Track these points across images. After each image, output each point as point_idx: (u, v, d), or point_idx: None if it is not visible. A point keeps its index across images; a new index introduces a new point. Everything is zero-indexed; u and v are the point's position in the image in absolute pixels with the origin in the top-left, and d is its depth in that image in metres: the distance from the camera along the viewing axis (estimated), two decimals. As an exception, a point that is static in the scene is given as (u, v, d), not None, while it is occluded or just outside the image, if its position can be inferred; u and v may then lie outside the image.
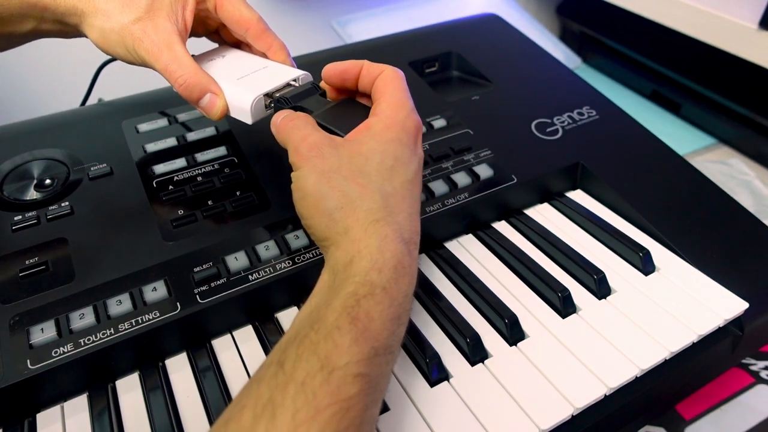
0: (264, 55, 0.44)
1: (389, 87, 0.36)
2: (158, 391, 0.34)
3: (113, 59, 0.56)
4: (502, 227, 0.47)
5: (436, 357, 0.35)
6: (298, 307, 0.40)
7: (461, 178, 0.46)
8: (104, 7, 0.38)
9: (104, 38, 0.39)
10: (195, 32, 0.44)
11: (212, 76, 0.41)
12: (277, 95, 0.40)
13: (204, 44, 0.47)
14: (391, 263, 0.30)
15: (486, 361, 0.36)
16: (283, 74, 0.42)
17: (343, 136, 0.36)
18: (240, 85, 0.41)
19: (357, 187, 0.32)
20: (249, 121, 0.40)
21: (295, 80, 0.42)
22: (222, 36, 0.46)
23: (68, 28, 0.41)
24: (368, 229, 0.30)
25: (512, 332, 0.37)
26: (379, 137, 0.34)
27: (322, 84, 0.40)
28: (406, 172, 0.34)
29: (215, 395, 0.34)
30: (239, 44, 0.45)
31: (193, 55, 0.44)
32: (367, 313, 0.28)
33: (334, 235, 0.31)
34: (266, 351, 0.37)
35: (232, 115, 0.41)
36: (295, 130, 0.35)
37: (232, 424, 0.25)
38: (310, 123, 0.35)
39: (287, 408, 0.25)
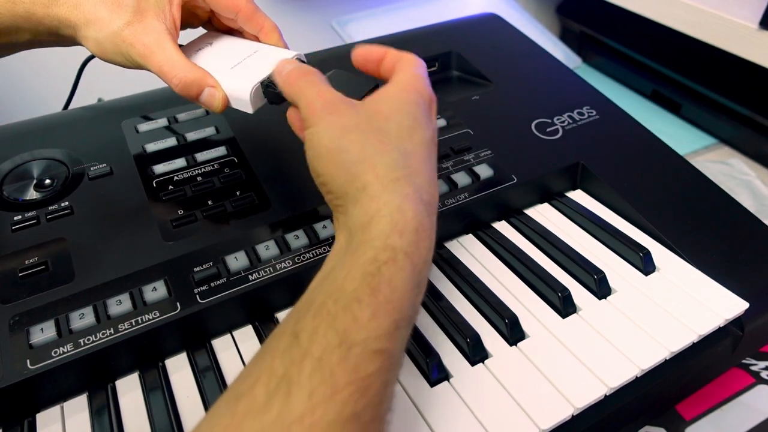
0: (256, 38, 0.43)
1: (408, 65, 0.36)
2: (158, 391, 0.34)
3: (93, 57, 0.55)
4: (502, 227, 0.47)
5: (436, 357, 0.35)
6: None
7: (461, 178, 0.46)
8: (94, 17, 0.38)
9: (101, 48, 0.39)
10: (188, 24, 0.44)
11: (204, 67, 0.40)
12: (268, 80, 0.39)
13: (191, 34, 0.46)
14: (412, 225, 0.28)
15: (486, 361, 0.36)
16: (276, 57, 0.41)
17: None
18: (235, 74, 0.40)
19: (377, 143, 0.30)
20: (250, 110, 0.40)
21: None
22: (214, 24, 0.45)
23: (65, 39, 0.41)
24: (388, 186, 0.29)
25: (512, 332, 0.37)
26: (397, 99, 0.33)
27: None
28: (424, 134, 0.33)
29: (215, 395, 0.34)
30: (232, 31, 0.44)
31: (180, 46, 0.43)
32: (390, 281, 0.27)
33: (352, 191, 0.30)
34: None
35: (233, 106, 0.40)
36: (309, 86, 0.33)
37: (244, 400, 0.24)
38: (324, 79, 0.34)
39: (303, 386, 0.23)
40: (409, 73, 0.35)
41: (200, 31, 0.46)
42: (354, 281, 0.26)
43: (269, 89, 0.39)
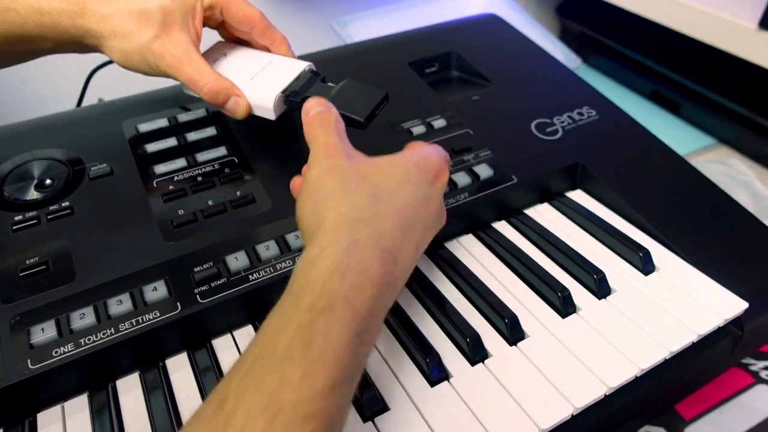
0: (266, 49, 0.46)
1: (426, 145, 0.37)
2: (158, 390, 0.34)
3: (105, 64, 0.56)
4: (502, 227, 0.47)
5: (436, 357, 0.35)
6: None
7: (461, 178, 0.46)
8: (122, 30, 0.40)
9: (126, 58, 0.41)
10: None
11: (225, 76, 0.43)
12: (288, 90, 0.43)
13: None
14: (356, 268, 0.26)
15: (486, 361, 0.36)
16: (291, 68, 0.44)
17: (361, 120, 0.38)
18: (256, 84, 0.43)
19: (353, 186, 0.31)
20: (272, 117, 0.43)
21: (302, 71, 0.44)
22: (223, 34, 0.47)
23: (87, 49, 0.42)
24: (342, 226, 0.28)
25: (512, 332, 0.37)
26: (399, 157, 0.34)
27: None
28: (413, 192, 0.32)
29: (215, 395, 0.34)
30: (240, 41, 0.47)
31: None
32: (326, 334, 0.24)
33: (314, 227, 0.29)
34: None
35: (256, 113, 0.43)
36: (322, 134, 0.34)
37: None
38: (339, 129, 0.35)
39: None
40: (424, 147, 0.37)
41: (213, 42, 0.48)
42: (287, 335, 0.24)
43: (290, 98, 0.42)
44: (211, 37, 0.47)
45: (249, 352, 0.25)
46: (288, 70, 0.45)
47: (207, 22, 0.44)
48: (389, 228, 0.30)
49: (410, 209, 0.32)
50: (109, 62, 0.56)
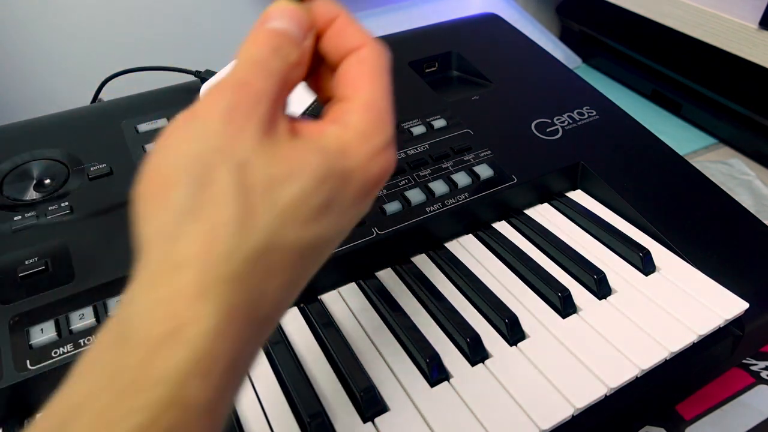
0: None
1: (366, 85, 0.22)
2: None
3: (118, 74, 0.56)
4: (502, 227, 0.47)
5: (436, 357, 0.35)
6: (299, 307, 0.40)
7: (461, 178, 0.45)
8: None
9: None
10: None
11: None
12: (307, 112, 0.42)
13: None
14: (227, 364, 0.17)
15: (486, 361, 0.36)
16: (309, 90, 0.44)
17: None
18: None
19: (250, 200, 0.18)
20: None
21: None
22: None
23: None
24: (212, 285, 0.17)
25: (512, 332, 0.37)
26: (323, 162, 0.20)
27: None
28: (326, 229, 0.20)
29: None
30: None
31: (213, 73, 0.47)
32: None
33: (160, 248, 0.19)
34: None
35: None
36: (254, 70, 0.21)
37: None
38: (291, 77, 0.22)
39: None
40: (368, 117, 0.22)
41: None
42: None
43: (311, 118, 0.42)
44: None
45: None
46: (307, 92, 0.44)
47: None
48: (273, 289, 0.19)
49: (311, 251, 0.20)
50: (122, 73, 0.57)
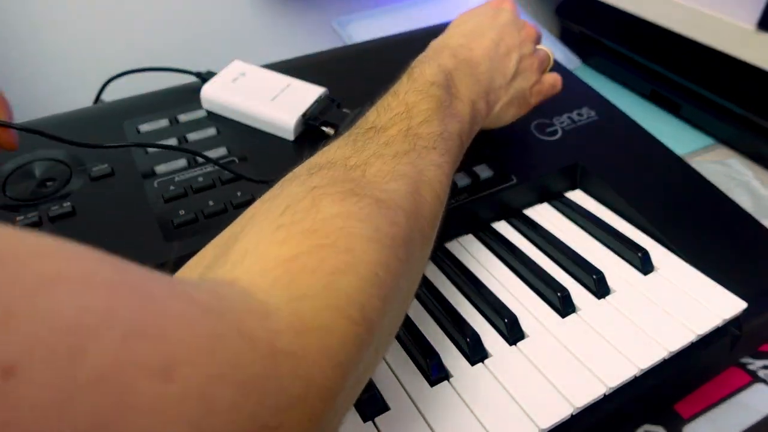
0: None
1: None
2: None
3: (120, 75, 0.57)
4: (502, 227, 0.47)
5: (436, 357, 0.36)
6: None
7: (461, 179, 0.46)
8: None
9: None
10: None
11: (246, 96, 0.48)
12: (308, 114, 0.47)
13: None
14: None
15: (486, 361, 0.36)
16: (309, 92, 0.49)
17: None
18: (277, 105, 0.48)
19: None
20: (291, 138, 0.47)
21: (319, 96, 0.49)
22: None
23: None
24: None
25: (512, 332, 0.37)
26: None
27: None
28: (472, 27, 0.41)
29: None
30: None
31: (214, 73, 0.51)
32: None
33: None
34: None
35: (275, 133, 0.48)
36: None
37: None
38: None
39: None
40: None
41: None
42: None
43: (309, 122, 0.47)
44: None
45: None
46: (306, 94, 0.48)
47: None
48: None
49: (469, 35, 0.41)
50: (124, 74, 0.57)
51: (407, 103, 0.32)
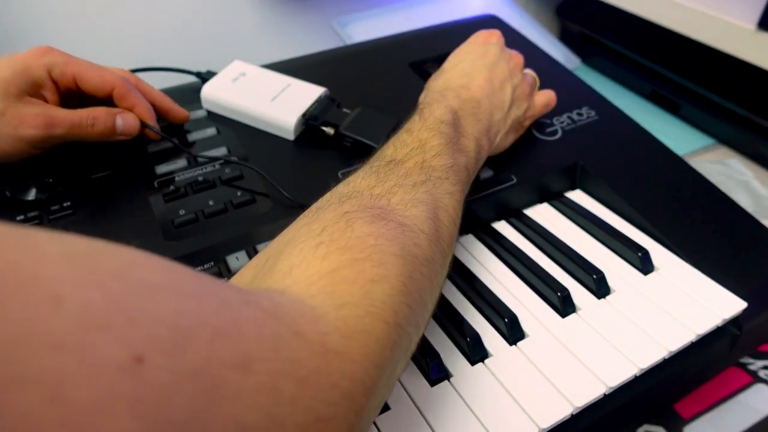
0: (131, 110, 0.43)
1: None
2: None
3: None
4: (502, 227, 0.47)
5: (436, 357, 0.36)
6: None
7: (461, 179, 0.46)
8: None
9: None
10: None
11: (247, 95, 0.48)
12: (308, 114, 0.47)
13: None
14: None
15: (486, 361, 0.36)
16: (309, 92, 0.49)
17: (376, 147, 0.39)
18: (277, 105, 0.48)
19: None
20: (291, 137, 0.47)
21: (319, 96, 0.49)
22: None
23: None
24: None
25: (512, 332, 0.37)
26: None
27: None
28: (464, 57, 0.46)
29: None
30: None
31: (215, 73, 0.51)
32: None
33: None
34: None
35: (275, 133, 0.48)
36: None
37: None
38: None
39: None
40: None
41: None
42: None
43: (309, 121, 0.47)
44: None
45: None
46: (306, 94, 0.49)
47: (67, 92, 0.42)
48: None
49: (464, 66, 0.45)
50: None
51: (420, 139, 0.35)
